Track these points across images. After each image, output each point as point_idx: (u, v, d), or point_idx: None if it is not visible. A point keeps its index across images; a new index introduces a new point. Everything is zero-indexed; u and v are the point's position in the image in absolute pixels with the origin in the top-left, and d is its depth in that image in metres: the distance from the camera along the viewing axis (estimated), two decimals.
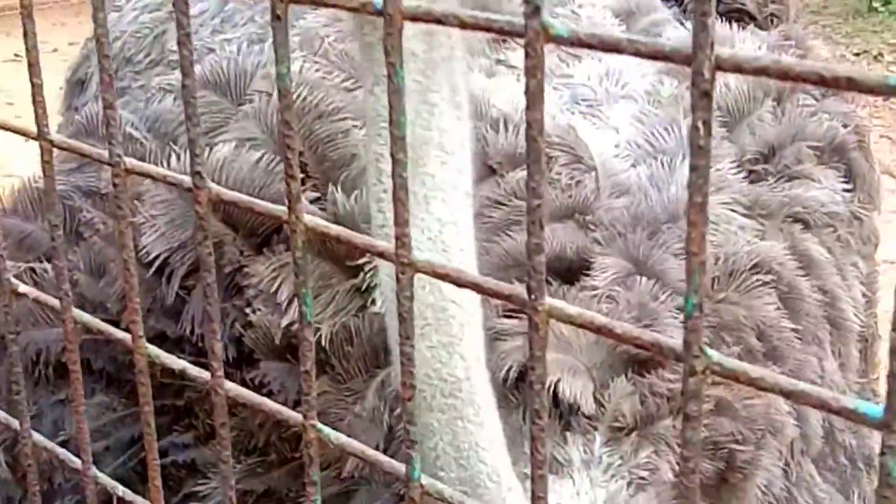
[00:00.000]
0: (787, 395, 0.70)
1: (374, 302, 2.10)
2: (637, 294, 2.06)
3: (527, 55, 0.76)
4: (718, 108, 2.36)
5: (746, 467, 2.07)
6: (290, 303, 2.11)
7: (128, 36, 2.75)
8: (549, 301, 0.81)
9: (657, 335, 0.76)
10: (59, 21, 9.67)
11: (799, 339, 2.19)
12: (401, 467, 0.96)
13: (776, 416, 2.11)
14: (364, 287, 2.11)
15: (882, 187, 2.70)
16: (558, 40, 0.75)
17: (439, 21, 0.81)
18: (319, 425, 1.02)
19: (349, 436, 1.03)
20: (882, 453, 0.65)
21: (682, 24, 2.61)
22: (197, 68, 2.41)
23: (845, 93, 2.65)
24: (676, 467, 2.00)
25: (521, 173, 2.16)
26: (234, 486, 1.14)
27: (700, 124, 0.69)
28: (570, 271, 2.09)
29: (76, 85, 3.02)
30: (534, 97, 0.77)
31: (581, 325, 0.80)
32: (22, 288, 1.32)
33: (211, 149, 2.23)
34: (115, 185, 1.12)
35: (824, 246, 2.35)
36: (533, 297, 0.81)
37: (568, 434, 1.99)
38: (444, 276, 0.87)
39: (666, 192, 2.19)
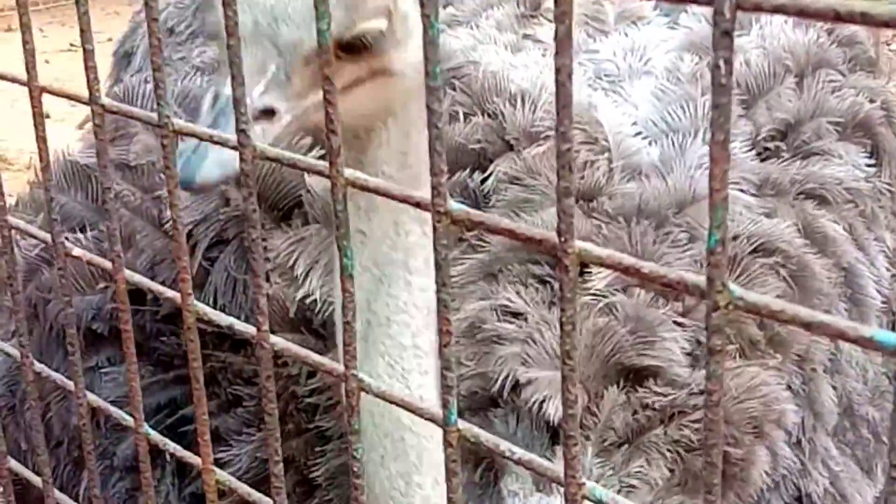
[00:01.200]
0: (807, 326, 0.71)
1: None
2: (635, 305, 2.07)
3: (556, 3, 0.79)
4: (738, 87, 2.35)
5: (742, 462, 2.08)
6: (305, 276, 2.14)
7: (171, 7, 2.80)
8: (578, 243, 0.83)
9: (682, 273, 0.78)
10: (112, 10, 9.80)
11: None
12: (438, 411, 0.99)
13: (774, 407, 2.11)
14: None
15: None
16: None
17: None
18: (361, 374, 1.05)
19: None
20: None
21: None
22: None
23: (879, 69, 2.64)
24: (667, 472, 2.02)
25: (539, 149, 2.18)
26: (278, 437, 1.18)
27: (721, 63, 0.71)
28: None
29: (123, 58, 3.07)
30: (562, 43, 0.79)
31: (610, 266, 0.82)
32: (76, 251, 1.36)
33: None
34: (163, 147, 1.16)
35: (844, 222, 2.33)
36: (563, 239, 0.83)
37: (557, 448, 2.01)
38: (478, 224, 0.90)
39: (675, 176, 2.19)
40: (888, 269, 2.48)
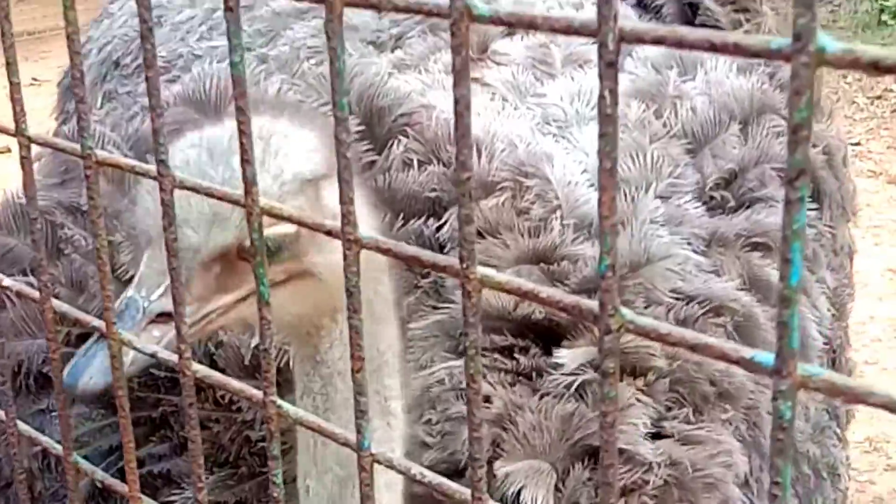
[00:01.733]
0: (693, 348, 0.74)
1: None
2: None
3: (452, 34, 0.81)
4: (685, 135, 2.37)
5: None
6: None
7: (117, 40, 2.80)
8: (480, 269, 0.85)
9: (576, 298, 0.80)
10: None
11: (753, 383, 2.22)
12: (352, 436, 1.00)
13: (724, 459, 2.14)
14: None
15: (856, 197, 2.73)
16: (480, 20, 0.80)
17: (375, 7, 0.86)
18: (279, 401, 1.07)
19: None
20: (774, 398, 0.69)
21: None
22: (175, 86, 2.45)
23: (820, 110, 2.69)
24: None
25: (494, 201, 2.19)
26: (202, 464, 1.19)
27: (606, 93, 0.73)
28: (543, 335, 2.12)
29: (67, 91, 3.07)
30: (460, 74, 0.81)
31: (510, 292, 0.84)
32: (6, 281, 1.37)
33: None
34: (87, 178, 1.17)
35: None
36: (465, 265, 0.85)
37: None
38: (386, 251, 0.92)
39: (627, 235, 2.21)
40: (829, 310, 2.51)
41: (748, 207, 2.37)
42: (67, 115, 2.90)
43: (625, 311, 0.77)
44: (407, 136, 2.23)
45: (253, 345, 2.16)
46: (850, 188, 2.66)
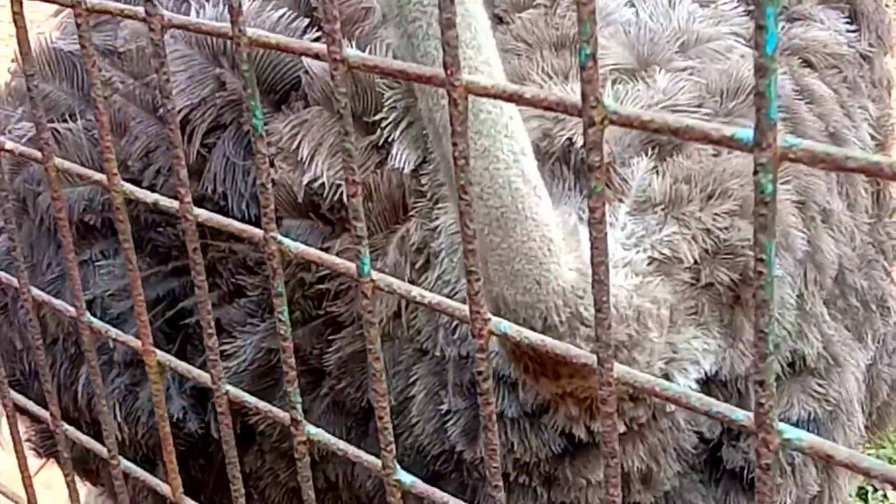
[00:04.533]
0: (675, 132, 0.73)
1: (391, 157, 2.12)
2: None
3: None
4: None
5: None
6: (311, 160, 2.14)
7: None
8: (465, 76, 0.85)
9: (559, 94, 0.80)
10: None
11: None
12: (351, 266, 1.01)
13: (786, 227, 2.11)
14: (381, 143, 2.14)
15: (893, 31, 2.65)
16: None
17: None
18: (280, 237, 1.08)
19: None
20: (755, 172, 0.69)
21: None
22: None
23: None
24: (696, 255, 2.01)
25: (525, 14, 2.16)
26: (210, 310, 1.20)
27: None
28: None
29: None
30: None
31: (495, 96, 0.84)
32: (8, 144, 1.38)
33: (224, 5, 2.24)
34: (77, 26, 1.17)
35: (829, 87, 2.32)
36: (449, 72, 0.85)
37: None
38: (372, 69, 0.91)
39: (675, 16, 2.19)
40: (872, 139, 2.47)
41: (787, 22, 2.33)
42: None
43: (608, 101, 0.76)
44: None
45: (305, 182, 2.15)
46: (887, 19, 2.60)
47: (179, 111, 2.21)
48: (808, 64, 2.29)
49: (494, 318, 0.92)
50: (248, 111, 1.02)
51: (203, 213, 1.15)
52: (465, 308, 0.93)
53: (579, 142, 2.01)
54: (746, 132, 0.69)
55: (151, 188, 2.21)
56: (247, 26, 1.01)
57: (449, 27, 0.83)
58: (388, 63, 0.90)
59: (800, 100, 2.22)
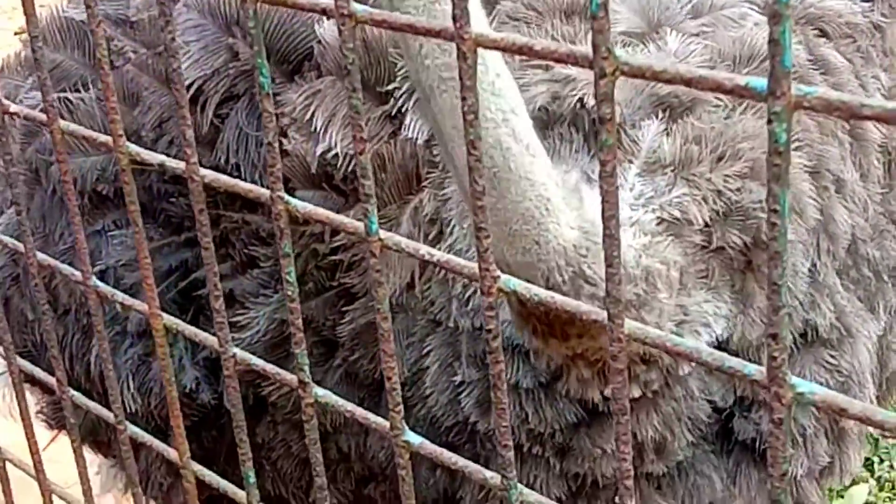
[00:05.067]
0: (688, 82, 0.72)
1: (404, 127, 2.11)
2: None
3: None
4: None
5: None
6: (324, 130, 2.12)
7: None
8: (474, 29, 0.84)
9: (570, 46, 0.78)
10: None
11: (818, 130, 2.15)
12: (359, 225, 1.00)
13: (799, 196, 2.09)
14: (394, 113, 2.12)
15: None
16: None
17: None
18: (287, 197, 1.07)
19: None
20: (769, 121, 0.68)
21: None
22: None
23: None
24: (706, 216, 1.99)
25: None
26: (216, 272, 1.19)
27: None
28: None
29: None
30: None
31: (504, 49, 0.83)
32: (13, 107, 1.37)
33: None
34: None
35: (844, 57, 2.30)
36: (458, 25, 0.84)
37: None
38: (380, 23, 0.90)
39: None
40: None
41: None
42: None
43: (619, 51, 0.75)
44: None
45: (319, 153, 2.13)
46: None
47: (193, 82, 2.20)
48: (822, 33, 2.27)
49: (504, 276, 0.92)
50: (256, 70, 1.01)
51: (209, 174, 1.15)
52: (475, 266, 0.92)
53: (589, 103, 2.00)
54: (760, 81, 0.68)
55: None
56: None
57: None
58: (395, 18, 0.89)
59: (814, 69, 2.20)
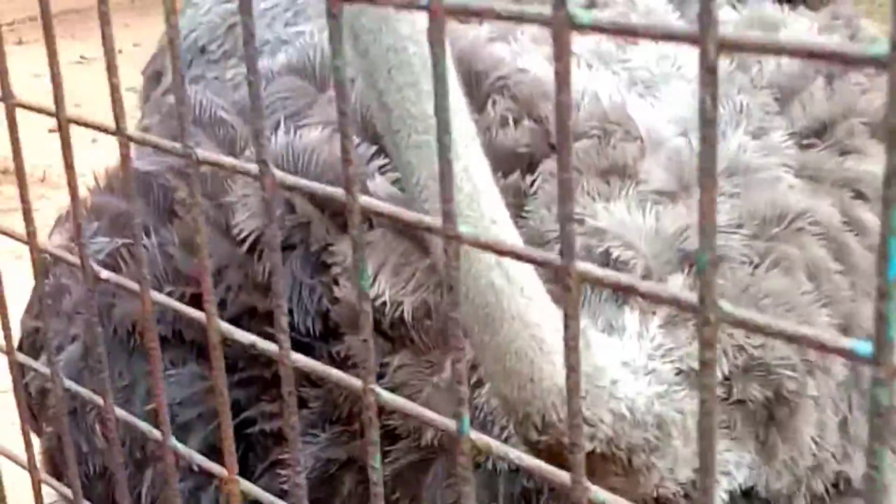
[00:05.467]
0: (790, 339, 0.78)
1: None
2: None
3: (554, 41, 0.85)
4: (770, 86, 2.40)
5: (793, 399, 2.09)
6: (374, 278, 2.19)
7: (202, 27, 2.86)
8: (579, 265, 0.89)
9: (675, 292, 0.84)
10: (122, 23, 9.87)
11: (851, 289, 2.20)
12: (451, 423, 1.05)
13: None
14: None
15: None
16: (582, 29, 0.84)
17: (476, 14, 0.90)
18: (378, 389, 1.12)
19: (427, 405, 1.13)
20: (872, 384, 0.73)
21: (734, 7, 2.65)
22: (280, 56, 2.51)
23: None
24: (725, 370, 2.03)
25: (579, 144, 2.22)
26: (300, 447, 1.24)
27: (708, 98, 0.77)
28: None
29: (152, 77, 3.13)
30: (562, 79, 0.85)
31: (608, 286, 0.88)
32: (104, 274, 1.43)
33: (298, 132, 2.31)
34: (188, 175, 1.23)
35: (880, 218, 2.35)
36: (565, 261, 0.89)
37: (626, 307, 2.04)
38: (486, 247, 0.96)
39: (724, 147, 2.24)
40: None
41: (840, 155, 2.38)
42: (151, 104, 2.95)
43: (723, 303, 0.81)
44: (503, 96, 2.29)
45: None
46: None
47: (251, 232, 2.27)
48: (859, 195, 2.34)
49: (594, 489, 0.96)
50: (355, 272, 1.07)
51: (301, 359, 1.20)
52: (565, 476, 0.97)
53: (614, 254, 2.08)
54: (865, 346, 0.74)
55: (222, 303, 2.26)
56: (357, 191, 1.06)
57: (568, 221, 0.88)
58: (501, 244, 0.95)
59: (849, 231, 2.26)
